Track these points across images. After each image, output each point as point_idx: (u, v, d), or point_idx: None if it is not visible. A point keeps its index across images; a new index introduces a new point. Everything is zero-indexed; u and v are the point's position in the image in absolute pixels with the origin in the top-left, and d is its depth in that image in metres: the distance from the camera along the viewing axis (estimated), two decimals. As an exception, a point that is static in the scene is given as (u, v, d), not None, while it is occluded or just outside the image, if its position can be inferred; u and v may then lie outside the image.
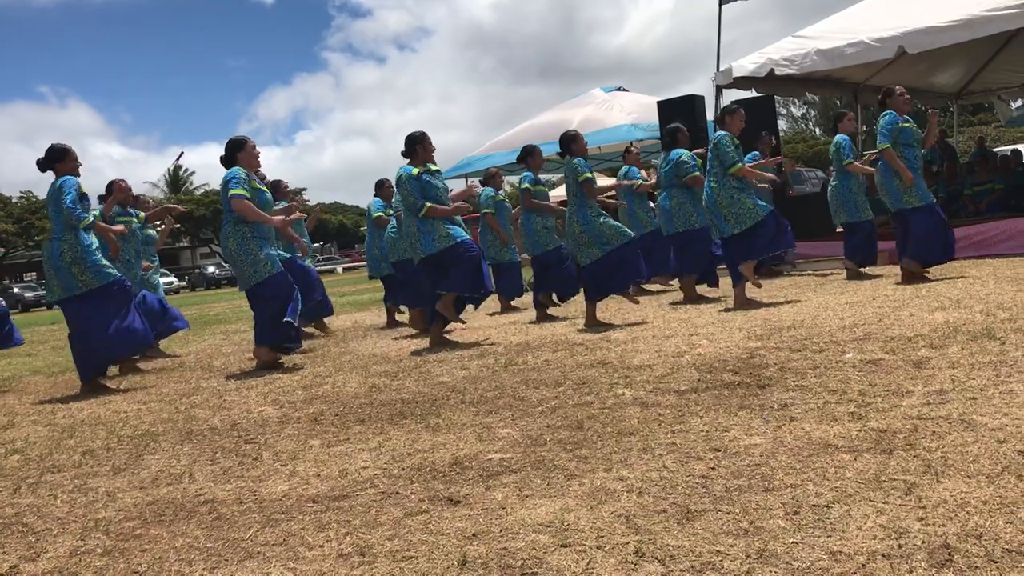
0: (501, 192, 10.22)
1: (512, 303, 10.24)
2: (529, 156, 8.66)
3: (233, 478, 3.53)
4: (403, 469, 3.37)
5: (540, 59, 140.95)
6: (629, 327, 6.99)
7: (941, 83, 15.38)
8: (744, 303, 7.38)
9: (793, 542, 2.19)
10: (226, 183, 6.67)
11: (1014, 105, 16.47)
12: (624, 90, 17.93)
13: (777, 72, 10.95)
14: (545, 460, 3.26)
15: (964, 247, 9.70)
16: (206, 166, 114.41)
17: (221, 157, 6.83)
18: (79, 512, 3.25)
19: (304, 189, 58.69)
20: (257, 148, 6.90)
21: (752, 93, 11.92)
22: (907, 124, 7.84)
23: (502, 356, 6.14)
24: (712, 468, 2.91)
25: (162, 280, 9.61)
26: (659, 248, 9.84)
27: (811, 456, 2.92)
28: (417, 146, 7.16)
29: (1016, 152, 14.86)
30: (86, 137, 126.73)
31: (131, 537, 2.87)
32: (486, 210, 10.06)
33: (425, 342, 7.53)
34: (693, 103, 11.99)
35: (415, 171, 7.06)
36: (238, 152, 6.79)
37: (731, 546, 2.21)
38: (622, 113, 15.14)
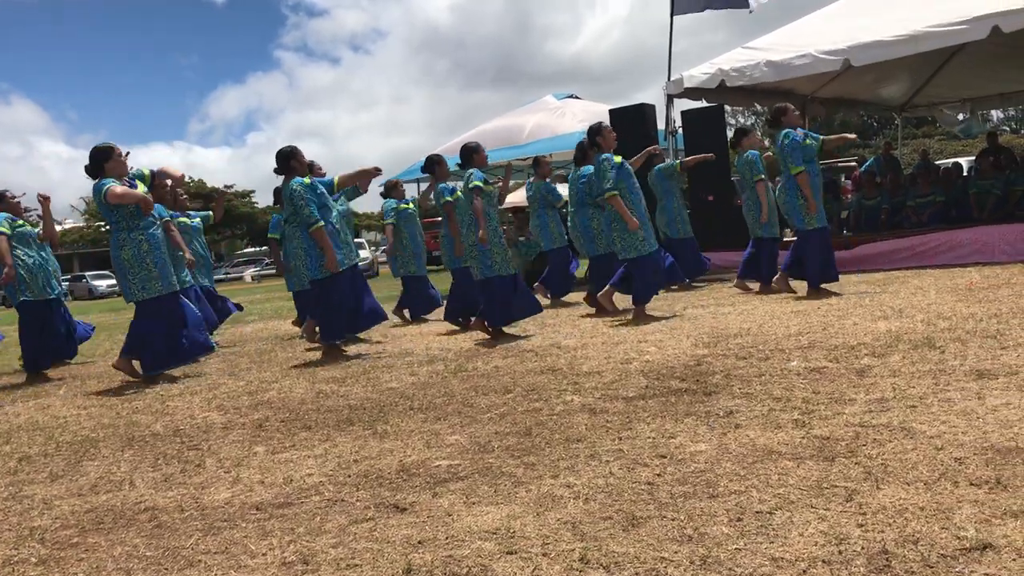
0: (405, 202, 10.04)
1: (425, 317, 10.02)
2: (436, 165, 8.51)
3: (175, 485, 3.47)
4: (349, 476, 3.34)
5: (494, 63, 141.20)
6: (580, 334, 7.01)
7: (886, 96, 15.71)
8: (641, 317, 7.45)
9: (736, 548, 2.21)
10: (98, 191, 6.40)
11: (960, 117, 16.88)
12: (576, 97, 17.99)
13: (727, 83, 11.09)
14: (492, 467, 3.25)
15: (907, 257, 9.92)
16: (151, 167, 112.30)
17: (86, 166, 6.51)
18: (13, 520, 3.17)
19: (232, 186, 58.11)
20: (123, 156, 6.56)
21: (702, 103, 12.06)
22: (809, 141, 7.97)
23: (452, 362, 6.12)
24: (658, 475, 2.93)
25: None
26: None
27: (755, 463, 2.95)
28: (292, 161, 7.01)
29: (957, 165, 15.22)
30: (31, 135, 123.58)
31: (67, 546, 2.81)
32: (388, 221, 9.87)
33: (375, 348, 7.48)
34: (644, 112, 12.08)
35: (307, 180, 6.96)
36: (105, 162, 6.47)
37: (675, 552, 2.23)
38: (574, 120, 15.16)
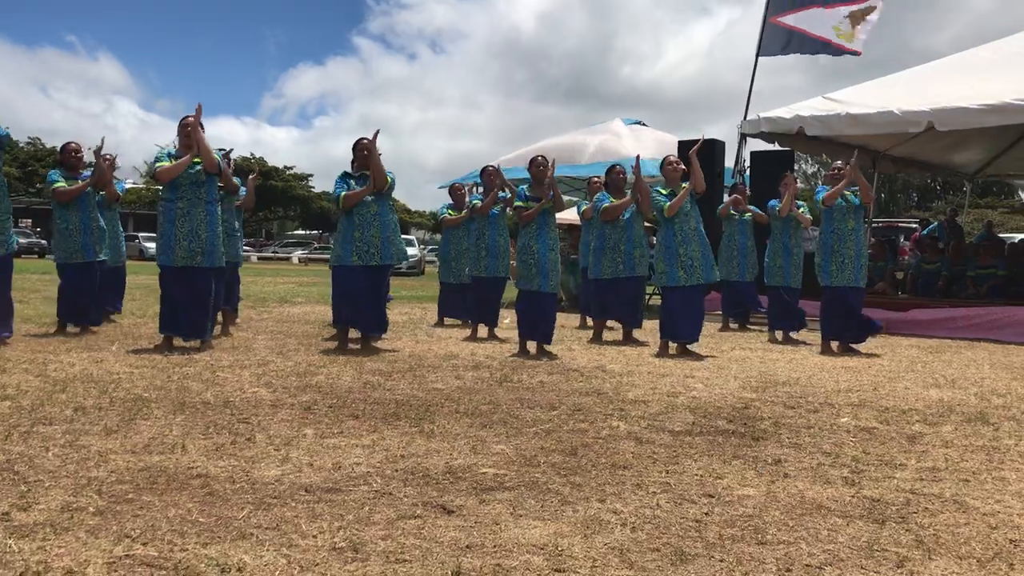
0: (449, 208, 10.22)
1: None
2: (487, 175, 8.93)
3: (226, 455, 3.53)
4: (396, 471, 3.38)
5: (569, 79, 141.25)
6: (625, 360, 7.01)
7: (959, 162, 15.51)
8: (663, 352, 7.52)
9: (786, 599, 2.21)
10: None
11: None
12: (644, 125, 18.00)
13: (806, 130, 11.01)
14: (539, 482, 3.27)
15: (963, 328, 9.78)
16: (213, 139, 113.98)
17: None
18: (71, 468, 3.25)
19: (292, 167, 58.91)
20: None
21: (774, 145, 12.01)
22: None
23: (497, 371, 6.15)
24: (706, 513, 2.93)
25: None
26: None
27: (804, 515, 2.94)
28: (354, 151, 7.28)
29: (1024, 241, 14.95)
30: (112, 93, 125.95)
31: (123, 500, 2.88)
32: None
33: (416, 347, 7.55)
34: (713, 147, 12.06)
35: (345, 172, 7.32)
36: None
37: (724, 594, 2.23)
38: (638, 146, 15.17)
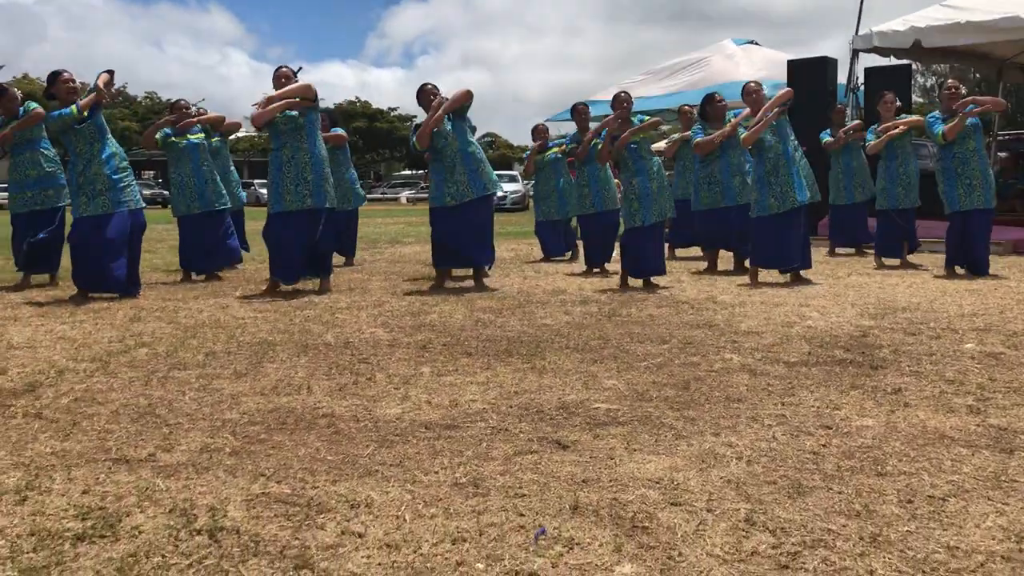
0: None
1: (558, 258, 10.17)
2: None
3: (349, 395, 3.68)
4: (511, 407, 3.46)
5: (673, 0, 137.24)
6: (736, 290, 6.91)
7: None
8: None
9: (908, 531, 2.19)
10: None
11: None
12: (756, 44, 17.43)
13: (923, 43, 10.46)
14: (652, 416, 3.30)
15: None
16: (321, 84, 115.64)
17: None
18: (206, 411, 3.45)
19: (396, 109, 59.34)
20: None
21: (890, 59, 11.46)
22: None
23: (605, 305, 6.16)
24: (823, 445, 2.90)
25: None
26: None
27: (926, 445, 2.88)
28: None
29: None
30: (224, 45, 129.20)
31: (256, 441, 3.04)
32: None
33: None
34: (825, 65, 11.61)
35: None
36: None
37: (843, 526, 2.22)
38: (751, 68, 14.72)
